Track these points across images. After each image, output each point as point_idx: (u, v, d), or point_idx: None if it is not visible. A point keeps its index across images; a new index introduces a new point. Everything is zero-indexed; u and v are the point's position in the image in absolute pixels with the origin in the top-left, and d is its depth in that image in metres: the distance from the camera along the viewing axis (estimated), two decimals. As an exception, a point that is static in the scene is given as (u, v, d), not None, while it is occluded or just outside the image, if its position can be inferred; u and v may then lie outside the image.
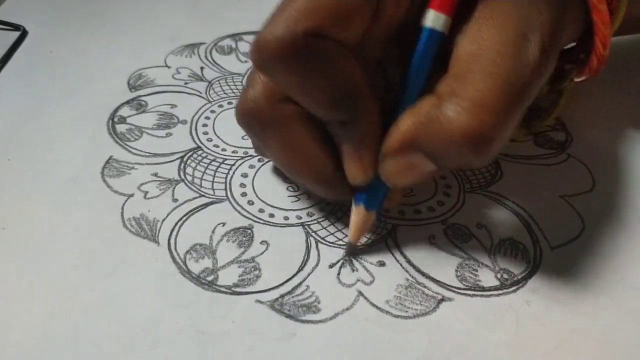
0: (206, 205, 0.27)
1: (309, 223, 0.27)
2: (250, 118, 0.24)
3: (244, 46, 0.40)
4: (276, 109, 0.23)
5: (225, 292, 0.23)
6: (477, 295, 0.24)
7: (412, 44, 0.21)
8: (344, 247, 0.25)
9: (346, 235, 0.26)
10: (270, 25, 0.19)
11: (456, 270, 0.25)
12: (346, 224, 0.27)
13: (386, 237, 0.26)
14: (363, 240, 0.25)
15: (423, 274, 0.24)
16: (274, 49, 0.19)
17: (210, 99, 0.34)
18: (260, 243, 0.25)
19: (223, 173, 0.29)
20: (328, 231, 0.26)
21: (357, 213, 0.24)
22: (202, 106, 0.34)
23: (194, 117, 0.33)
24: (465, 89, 0.19)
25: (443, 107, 0.19)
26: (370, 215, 0.24)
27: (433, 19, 0.21)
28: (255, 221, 0.26)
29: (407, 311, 0.23)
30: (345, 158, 0.23)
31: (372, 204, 0.24)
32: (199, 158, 0.30)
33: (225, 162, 0.30)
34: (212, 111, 0.33)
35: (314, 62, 0.20)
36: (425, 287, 0.24)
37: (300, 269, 0.24)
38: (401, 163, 0.21)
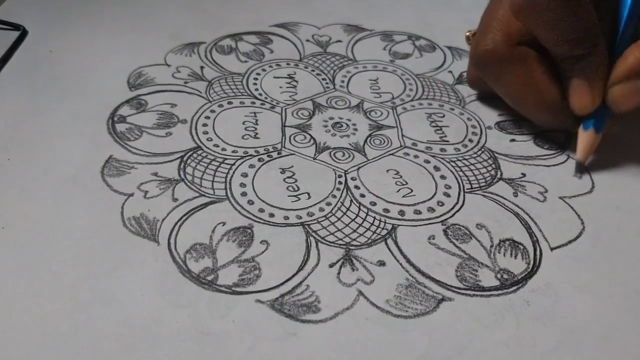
0: (206, 204, 0.27)
1: (309, 223, 0.27)
2: (490, 56, 0.29)
3: (244, 46, 0.40)
4: (513, 50, 0.29)
5: (225, 292, 0.23)
6: (477, 295, 0.24)
7: None
8: (575, 167, 0.30)
9: (346, 235, 0.26)
10: None
11: (456, 270, 0.25)
12: (346, 224, 0.27)
13: (386, 237, 0.26)
14: (589, 159, 0.30)
15: (423, 274, 0.24)
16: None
17: (210, 99, 0.34)
18: (260, 243, 0.25)
19: (223, 173, 0.29)
20: (328, 231, 0.26)
21: (587, 136, 0.29)
22: (202, 106, 0.34)
23: (194, 116, 0.33)
24: None
25: None
26: (598, 136, 0.29)
27: None
28: (255, 221, 0.26)
29: (407, 311, 0.23)
30: (576, 90, 0.28)
31: (600, 127, 0.29)
32: (199, 158, 0.30)
33: (225, 161, 0.30)
34: (212, 111, 0.33)
35: (570, 7, 0.25)
36: (425, 287, 0.24)
37: (300, 269, 0.24)
38: (627, 89, 0.27)
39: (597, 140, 0.29)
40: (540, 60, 0.29)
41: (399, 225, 0.27)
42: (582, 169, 0.30)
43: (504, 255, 0.25)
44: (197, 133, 0.32)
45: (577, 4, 0.25)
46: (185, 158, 0.30)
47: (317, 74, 0.37)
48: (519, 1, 0.26)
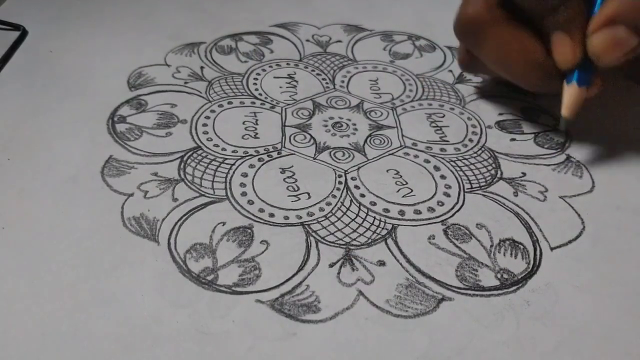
0: (206, 204, 0.27)
1: (309, 223, 0.27)
2: (472, 22, 0.30)
3: (244, 46, 0.40)
4: (494, 13, 0.29)
5: (225, 292, 0.23)
6: (477, 295, 0.24)
7: None
8: (560, 123, 0.29)
9: (346, 235, 0.26)
10: None
11: (456, 270, 0.25)
12: (346, 223, 0.27)
13: (386, 237, 0.26)
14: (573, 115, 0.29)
15: (423, 274, 0.24)
16: None
17: (210, 99, 0.34)
18: (260, 243, 0.25)
19: (223, 173, 0.29)
20: (328, 231, 0.26)
21: (570, 91, 0.28)
22: (202, 106, 0.34)
23: (194, 116, 0.33)
24: None
25: None
26: (582, 91, 0.28)
27: None
28: (255, 221, 0.26)
29: (407, 311, 0.23)
30: (557, 43, 0.27)
31: (584, 81, 0.28)
32: (199, 158, 0.30)
33: (225, 161, 0.30)
34: (212, 111, 0.33)
35: None
36: (425, 286, 0.24)
37: (300, 269, 0.24)
38: (608, 38, 0.25)
39: (581, 95, 0.28)
40: (520, 21, 0.29)
41: (399, 225, 0.27)
42: (566, 124, 0.29)
43: (504, 255, 0.25)
44: (197, 133, 0.32)
45: None
46: (185, 158, 0.30)
47: (317, 74, 0.37)
48: None
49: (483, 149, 0.32)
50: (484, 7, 0.29)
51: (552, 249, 0.26)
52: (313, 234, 0.26)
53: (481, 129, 0.33)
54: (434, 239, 0.26)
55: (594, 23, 0.26)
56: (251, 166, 0.30)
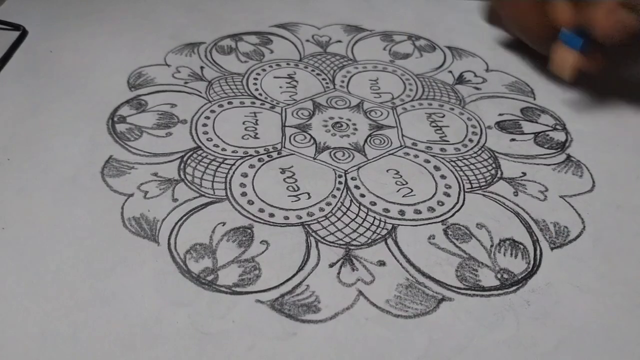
0: (206, 205, 0.27)
1: (309, 223, 0.27)
2: None
3: (244, 46, 0.40)
4: None
5: (225, 292, 0.23)
6: (477, 295, 0.24)
7: None
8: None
9: (346, 235, 0.26)
10: None
11: (456, 270, 0.25)
12: (346, 223, 0.27)
13: (386, 237, 0.26)
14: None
15: (423, 274, 0.24)
16: None
17: (210, 99, 0.34)
18: (260, 243, 0.25)
19: (223, 173, 0.29)
20: (328, 231, 0.26)
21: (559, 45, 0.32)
22: (202, 106, 0.34)
23: (194, 116, 0.33)
24: None
25: None
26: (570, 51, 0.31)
27: None
28: (255, 221, 0.26)
29: (407, 311, 0.23)
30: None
31: (573, 42, 0.31)
32: (199, 158, 0.30)
33: (225, 161, 0.30)
34: (212, 111, 0.33)
35: None
36: (425, 286, 0.24)
37: (301, 269, 0.24)
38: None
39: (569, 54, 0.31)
40: None
41: (399, 225, 0.27)
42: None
43: (504, 255, 0.25)
44: (197, 133, 0.32)
45: None
46: (185, 158, 0.30)
47: (317, 74, 0.37)
48: None
49: (483, 149, 0.32)
50: None
51: (552, 248, 0.26)
52: (313, 234, 0.26)
53: (481, 129, 0.33)
54: (434, 238, 0.26)
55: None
56: (251, 166, 0.30)
